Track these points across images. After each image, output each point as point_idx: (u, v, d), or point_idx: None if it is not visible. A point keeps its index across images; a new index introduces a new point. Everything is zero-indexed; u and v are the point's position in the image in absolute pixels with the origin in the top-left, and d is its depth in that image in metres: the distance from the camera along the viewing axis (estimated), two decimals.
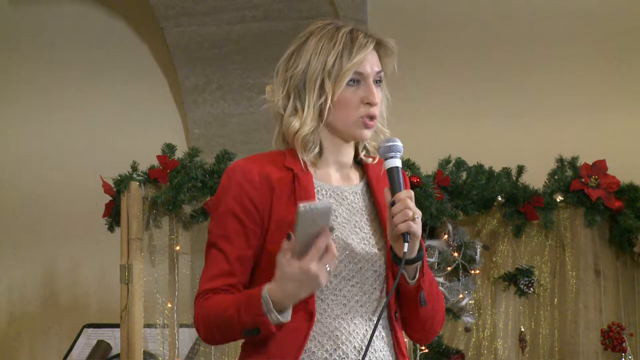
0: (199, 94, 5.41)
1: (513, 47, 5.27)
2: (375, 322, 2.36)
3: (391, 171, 2.38)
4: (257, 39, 5.18)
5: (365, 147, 2.50)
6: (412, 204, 2.32)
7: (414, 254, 2.35)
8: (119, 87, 5.58)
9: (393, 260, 2.38)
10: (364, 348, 2.35)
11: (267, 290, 2.24)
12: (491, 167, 4.40)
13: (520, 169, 4.41)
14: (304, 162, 2.41)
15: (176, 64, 5.39)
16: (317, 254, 2.22)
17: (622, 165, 4.52)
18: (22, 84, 5.65)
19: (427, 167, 4.31)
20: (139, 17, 5.57)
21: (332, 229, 2.24)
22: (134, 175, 4.07)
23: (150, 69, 5.60)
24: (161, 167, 4.09)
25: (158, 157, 4.11)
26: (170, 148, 4.12)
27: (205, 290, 2.36)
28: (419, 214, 2.33)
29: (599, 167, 4.45)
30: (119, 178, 4.07)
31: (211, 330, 2.35)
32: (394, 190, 2.36)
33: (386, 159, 2.40)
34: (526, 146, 5.10)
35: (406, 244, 2.31)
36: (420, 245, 2.37)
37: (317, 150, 2.42)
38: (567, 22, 5.25)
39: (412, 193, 2.35)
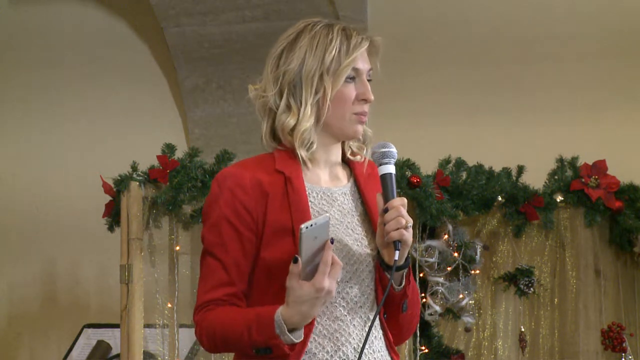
0: (199, 94, 5.41)
1: (513, 47, 5.27)
2: (370, 323, 2.36)
3: (385, 177, 2.37)
4: (257, 39, 5.18)
5: (349, 147, 2.49)
6: (405, 211, 2.32)
7: (402, 261, 2.35)
8: (119, 87, 5.58)
9: (380, 266, 2.38)
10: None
11: (281, 314, 2.24)
12: (491, 167, 4.40)
13: (520, 169, 4.41)
14: (302, 157, 2.40)
15: (176, 64, 5.39)
16: (327, 269, 2.22)
17: (622, 165, 4.52)
18: (22, 84, 5.65)
19: (427, 167, 4.31)
20: (139, 17, 5.58)
21: (332, 241, 2.24)
22: (134, 175, 4.07)
23: (150, 69, 5.60)
24: (161, 167, 4.09)
25: (158, 157, 4.11)
26: (170, 148, 4.12)
27: (207, 302, 2.35)
28: (411, 222, 2.32)
29: (599, 167, 4.45)
30: (119, 178, 4.07)
31: (216, 343, 2.35)
32: (386, 197, 2.35)
33: (380, 165, 2.39)
34: (526, 146, 5.10)
35: (397, 252, 2.31)
36: (408, 252, 2.37)
37: (315, 146, 2.41)
38: (568, 22, 5.25)
39: (405, 201, 2.34)
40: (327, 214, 2.26)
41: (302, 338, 2.27)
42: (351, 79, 2.40)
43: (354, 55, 2.38)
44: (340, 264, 2.25)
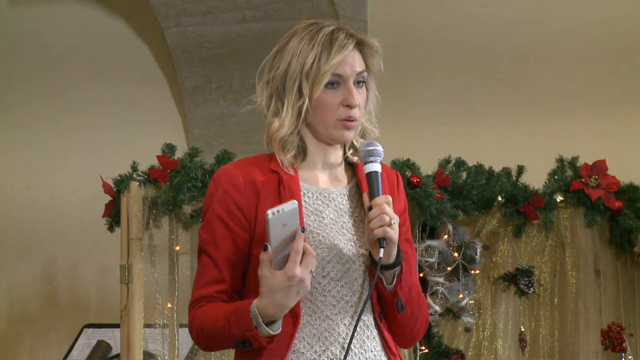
0: (199, 94, 5.41)
1: (513, 47, 5.26)
2: (355, 323, 2.36)
3: (370, 176, 2.37)
4: (257, 39, 5.18)
5: (353, 146, 2.49)
6: (389, 209, 2.31)
7: (392, 260, 2.35)
8: (119, 87, 5.58)
9: (372, 265, 2.38)
10: (352, 349, 2.36)
11: (256, 305, 2.24)
12: (491, 167, 4.40)
13: (520, 169, 4.41)
14: (282, 163, 2.41)
15: (176, 64, 5.39)
16: (298, 257, 2.22)
17: (622, 165, 4.52)
18: (22, 84, 5.65)
19: (427, 167, 4.31)
20: (139, 17, 5.58)
21: (303, 230, 2.23)
22: (134, 175, 4.07)
23: (150, 69, 5.60)
24: (161, 167, 4.09)
25: (158, 157, 4.11)
26: (170, 148, 4.12)
27: (198, 299, 2.38)
28: (395, 219, 2.31)
29: (599, 167, 4.45)
30: (119, 178, 4.07)
31: (205, 339, 2.37)
32: (372, 195, 2.35)
33: (365, 164, 2.39)
34: (526, 146, 5.10)
35: (382, 250, 2.30)
36: (399, 251, 2.36)
37: (294, 152, 2.41)
38: (567, 22, 5.25)
39: (389, 198, 2.33)
40: (294, 200, 2.24)
41: (280, 330, 2.27)
42: (335, 83, 2.39)
43: (334, 61, 2.36)
44: (313, 253, 2.24)
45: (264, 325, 2.24)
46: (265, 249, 2.21)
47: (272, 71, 2.42)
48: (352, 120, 2.40)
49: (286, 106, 2.39)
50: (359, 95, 2.40)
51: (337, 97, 2.39)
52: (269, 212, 2.16)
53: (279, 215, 2.17)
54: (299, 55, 2.38)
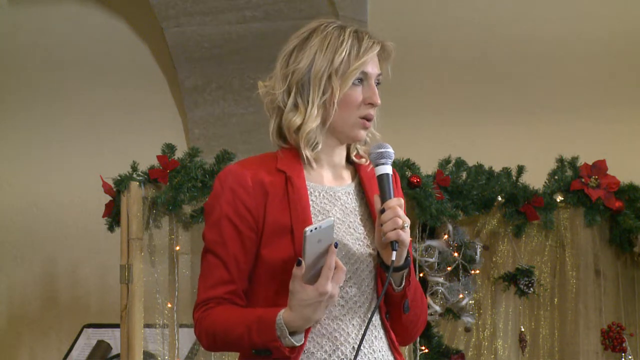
0: (199, 94, 5.41)
1: (513, 47, 5.27)
2: (366, 324, 2.37)
3: (381, 178, 2.37)
4: (257, 39, 5.18)
5: (356, 148, 2.50)
6: (401, 212, 2.32)
7: (402, 262, 2.35)
8: (119, 87, 5.57)
9: (380, 267, 2.39)
10: (362, 349, 2.36)
11: (283, 317, 2.25)
12: (491, 167, 4.40)
13: (520, 169, 4.41)
14: (306, 157, 2.40)
15: (176, 64, 5.39)
16: (330, 273, 2.23)
17: (622, 165, 4.52)
18: (22, 84, 5.65)
19: (427, 167, 4.31)
20: (139, 17, 5.57)
21: (336, 245, 2.23)
22: (134, 175, 4.07)
23: (150, 69, 5.59)
24: (161, 167, 4.09)
25: (158, 157, 4.11)
26: (170, 148, 4.12)
27: (207, 299, 2.37)
28: (408, 222, 2.32)
29: (599, 167, 4.45)
30: (119, 178, 4.07)
31: (215, 342, 2.36)
32: (383, 198, 2.35)
33: (377, 165, 2.39)
34: (526, 146, 5.11)
35: (394, 252, 2.31)
36: (407, 252, 2.36)
37: (319, 147, 2.42)
38: (567, 22, 5.25)
39: (402, 201, 2.34)
40: (332, 218, 2.26)
41: (303, 341, 2.28)
42: (359, 81, 2.41)
43: (364, 59, 2.39)
44: (344, 268, 2.25)
45: (289, 337, 2.25)
46: (299, 263, 2.22)
47: (291, 65, 2.41)
48: (370, 120, 2.42)
49: (311, 101, 2.39)
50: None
51: (361, 95, 2.41)
52: (307, 229, 2.17)
53: (316, 232, 2.18)
54: (325, 50, 2.38)
